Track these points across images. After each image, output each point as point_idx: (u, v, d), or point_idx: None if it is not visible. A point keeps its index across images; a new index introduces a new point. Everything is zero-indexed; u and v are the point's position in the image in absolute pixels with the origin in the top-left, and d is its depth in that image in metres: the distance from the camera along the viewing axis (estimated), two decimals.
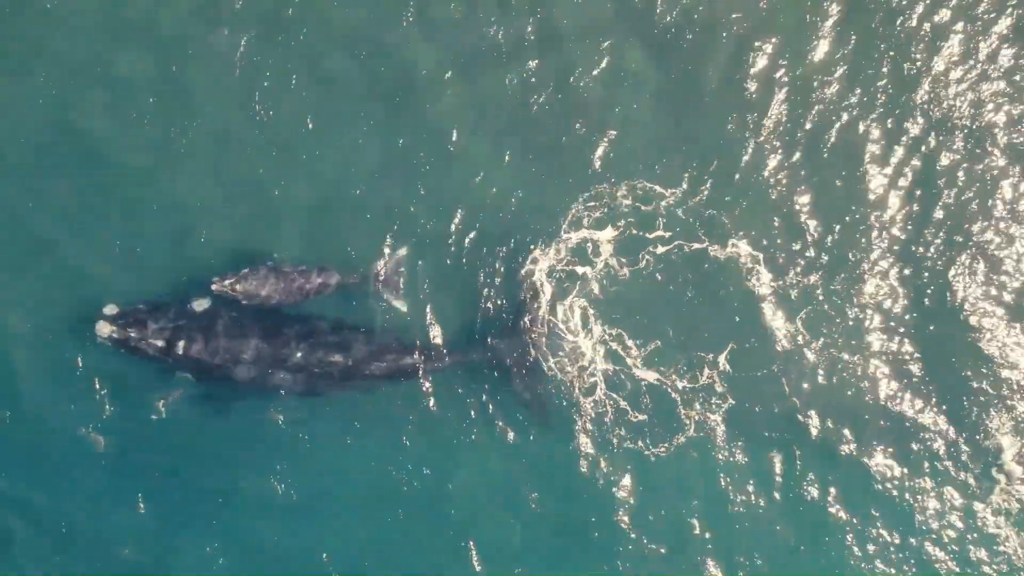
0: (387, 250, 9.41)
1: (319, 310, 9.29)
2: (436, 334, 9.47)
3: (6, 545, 9.00)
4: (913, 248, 9.58)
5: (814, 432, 9.43)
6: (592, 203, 9.59)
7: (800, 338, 9.50)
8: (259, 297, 9.00)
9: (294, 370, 9.02)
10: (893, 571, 9.24)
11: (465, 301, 9.56)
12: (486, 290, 9.54)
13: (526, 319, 9.49)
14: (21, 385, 9.11)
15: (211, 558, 9.13)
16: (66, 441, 9.10)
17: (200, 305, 9.02)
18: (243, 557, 9.17)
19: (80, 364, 9.11)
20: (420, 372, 9.34)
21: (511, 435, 9.41)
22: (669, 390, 9.42)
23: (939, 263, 9.54)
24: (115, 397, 9.14)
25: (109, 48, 9.37)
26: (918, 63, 9.63)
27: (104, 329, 8.77)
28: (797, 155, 9.64)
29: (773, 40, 9.65)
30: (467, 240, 9.52)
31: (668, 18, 9.65)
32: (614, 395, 9.39)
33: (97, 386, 9.12)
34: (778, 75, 9.65)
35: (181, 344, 8.87)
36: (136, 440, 9.15)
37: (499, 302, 9.54)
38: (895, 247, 9.60)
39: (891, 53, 9.66)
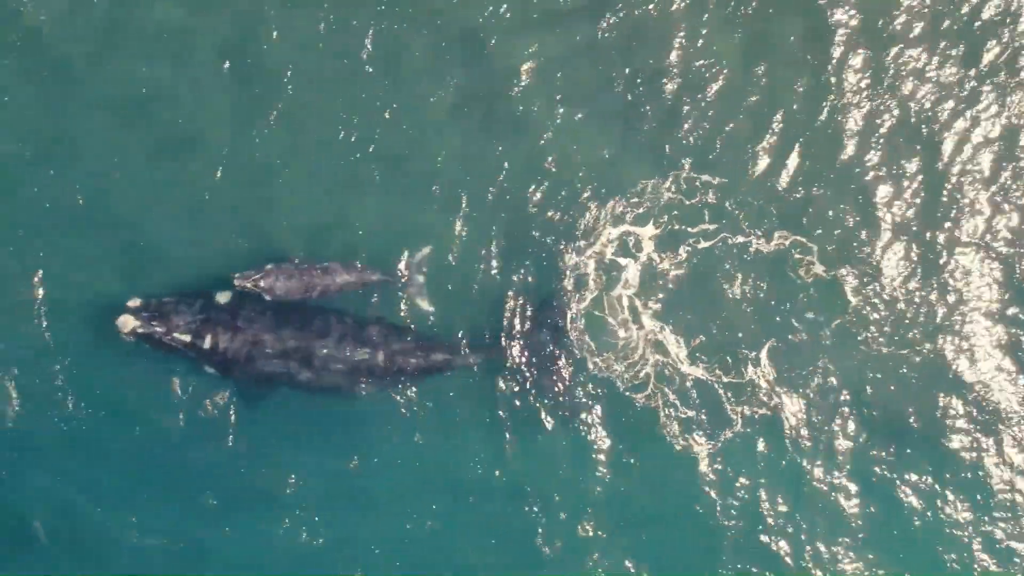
0: (412, 248, 9.35)
1: (347, 306, 9.23)
2: (466, 330, 9.39)
3: (45, 545, 9.01)
4: (968, 243, 9.48)
5: (861, 429, 9.33)
6: (634, 198, 9.49)
7: (849, 333, 9.40)
8: (282, 292, 8.94)
9: (321, 365, 8.95)
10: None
11: (495, 297, 9.47)
12: (517, 286, 9.45)
13: (556, 315, 9.38)
14: (47, 384, 9.09)
15: (249, 556, 9.13)
16: (96, 440, 9.11)
17: (223, 298, 8.94)
18: (277, 555, 9.14)
19: (106, 361, 9.10)
20: (449, 369, 9.26)
21: (547, 431, 9.34)
22: (716, 386, 9.36)
23: (990, 259, 9.46)
24: (143, 394, 9.15)
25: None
26: (981, 55, 9.56)
27: (128, 323, 8.68)
28: (849, 149, 9.55)
29: (832, 33, 9.59)
30: (501, 236, 9.45)
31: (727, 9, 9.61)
32: (664, 390, 9.31)
33: (125, 383, 9.12)
34: (830, 68, 9.59)
35: (208, 338, 8.79)
36: (167, 438, 9.12)
37: (529, 298, 9.45)
38: (947, 241, 9.49)
39: (945, 44, 9.60)
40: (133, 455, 9.10)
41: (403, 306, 9.37)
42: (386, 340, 9.14)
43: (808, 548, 9.21)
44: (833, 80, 9.58)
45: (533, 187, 9.52)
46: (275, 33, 9.34)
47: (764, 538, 9.22)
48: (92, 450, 9.07)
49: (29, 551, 8.95)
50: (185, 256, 9.23)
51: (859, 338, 9.42)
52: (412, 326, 9.35)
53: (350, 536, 9.17)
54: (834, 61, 9.61)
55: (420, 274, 9.37)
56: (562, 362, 9.35)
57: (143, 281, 9.10)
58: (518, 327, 9.41)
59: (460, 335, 9.37)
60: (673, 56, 9.58)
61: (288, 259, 9.09)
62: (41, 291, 9.05)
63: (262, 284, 8.88)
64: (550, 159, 9.53)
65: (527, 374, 9.36)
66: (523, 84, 9.50)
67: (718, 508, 9.25)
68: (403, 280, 9.34)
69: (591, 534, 9.21)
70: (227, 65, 9.29)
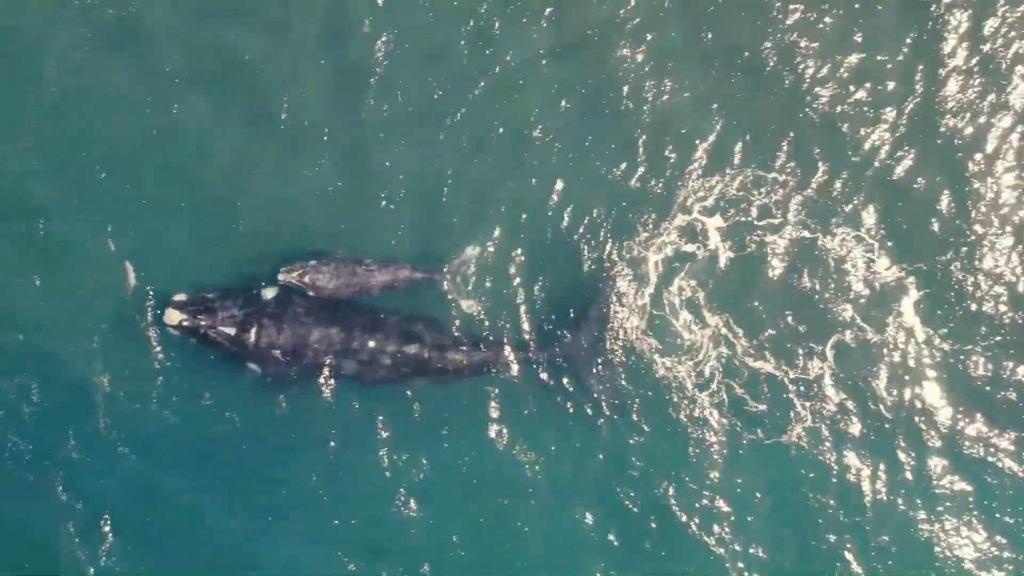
0: (457, 248, 9.32)
1: (393, 303, 9.19)
2: (511, 329, 9.32)
3: (95, 542, 8.95)
4: None
5: (927, 427, 9.16)
6: (700, 191, 9.38)
7: (914, 330, 9.23)
8: (325, 289, 8.93)
9: (366, 361, 8.94)
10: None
11: (543, 296, 9.40)
12: (563, 286, 9.39)
13: (602, 314, 9.26)
14: (90, 377, 9.09)
15: (300, 555, 9.10)
16: (144, 438, 9.09)
17: (269, 293, 8.94)
18: (328, 554, 9.11)
19: (152, 357, 9.09)
20: (495, 367, 9.20)
21: (599, 430, 9.25)
22: (781, 381, 9.26)
23: None
24: (189, 390, 9.13)
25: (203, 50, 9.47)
26: None
27: (174, 317, 8.72)
28: (916, 147, 9.42)
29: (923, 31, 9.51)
30: (549, 235, 9.40)
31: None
32: (730, 384, 9.21)
33: (171, 380, 9.11)
34: (892, 68, 9.48)
35: (253, 331, 8.78)
36: (209, 435, 9.10)
37: (576, 298, 9.36)
38: (1015, 240, 9.32)
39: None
40: (183, 456, 9.13)
41: (446, 306, 9.31)
42: (432, 336, 9.11)
43: (876, 548, 9.06)
44: (913, 86, 9.49)
45: (593, 179, 9.47)
46: (367, 27, 9.38)
47: (832, 537, 9.06)
48: (146, 448, 9.10)
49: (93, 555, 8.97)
50: (231, 253, 9.25)
51: (926, 337, 9.26)
52: (457, 324, 9.28)
53: (403, 535, 9.11)
54: (916, 64, 9.51)
55: (464, 275, 9.32)
56: (608, 360, 9.23)
57: (190, 277, 9.13)
58: (563, 327, 9.31)
59: (505, 334, 9.30)
60: (751, 49, 9.53)
61: (333, 256, 9.09)
62: (93, 280, 9.16)
63: (306, 280, 8.88)
64: (614, 151, 9.50)
65: (571, 373, 9.26)
66: (593, 74, 9.53)
67: (785, 504, 9.14)
68: (447, 280, 9.28)
69: (660, 533, 9.13)
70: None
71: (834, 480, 9.13)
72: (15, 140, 9.19)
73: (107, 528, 8.89)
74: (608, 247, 9.40)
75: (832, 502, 9.11)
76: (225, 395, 9.08)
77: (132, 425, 9.04)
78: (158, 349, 9.04)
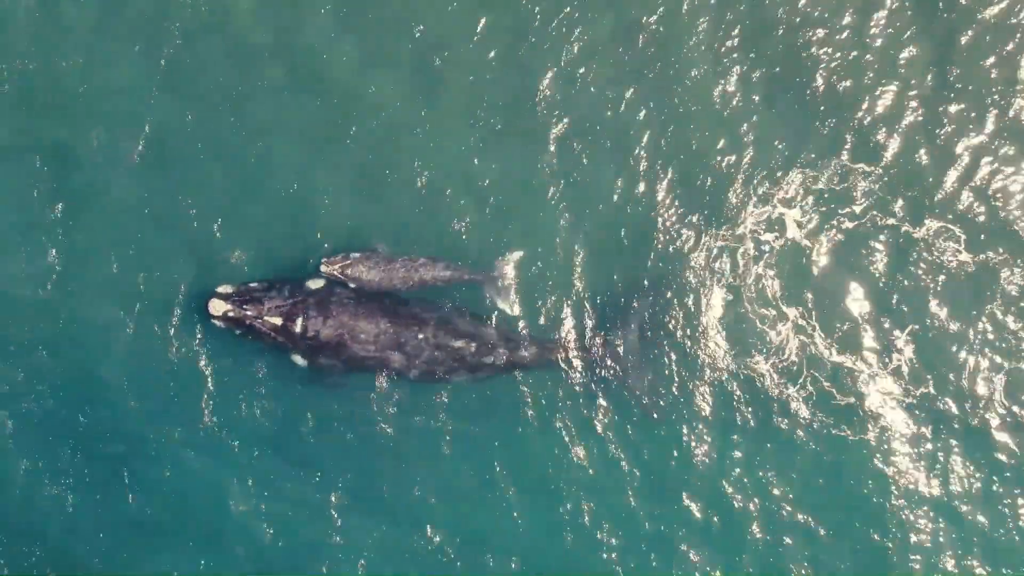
0: (504, 250, 9.23)
1: (440, 297, 9.15)
2: (561, 329, 9.18)
3: (153, 543, 9.09)
4: None
5: (1009, 421, 8.91)
6: (781, 182, 9.17)
7: (996, 322, 8.97)
8: (366, 282, 8.90)
9: (414, 353, 8.86)
10: None
11: (593, 295, 9.24)
12: (617, 285, 9.25)
13: (651, 315, 9.13)
14: (133, 371, 9.23)
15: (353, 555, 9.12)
16: (187, 431, 9.20)
17: (315, 284, 8.90)
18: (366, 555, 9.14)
19: (198, 352, 9.19)
20: (543, 365, 9.10)
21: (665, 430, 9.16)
22: (862, 373, 9.07)
23: None
24: (232, 383, 9.20)
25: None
26: None
27: (219, 307, 8.68)
28: (1005, 136, 9.09)
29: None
30: (604, 232, 9.26)
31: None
32: (816, 377, 9.02)
33: (215, 373, 9.20)
34: (989, 60, 9.17)
35: (299, 321, 8.73)
36: (251, 430, 9.17)
37: (629, 298, 9.19)
38: None
39: None
40: (239, 454, 9.19)
41: (487, 307, 9.22)
42: (482, 332, 9.01)
43: (970, 545, 8.84)
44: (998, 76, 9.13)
45: (663, 171, 9.27)
46: (422, 27, 9.35)
47: (922, 538, 8.88)
48: (192, 447, 9.21)
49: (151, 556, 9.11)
50: (276, 244, 9.27)
51: (1010, 329, 8.97)
52: (504, 321, 9.17)
53: (461, 532, 9.12)
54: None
55: (509, 277, 9.19)
56: (654, 362, 9.09)
57: (235, 268, 9.19)
58: (613, 329, 9.15)
59: (555, 333, 9.16)
60: (831, 44, 9.26)
61: (375, 250, 9.07)
62: (132, 272, 9.28)
63: (348, 272, 8.85)
64: (683, 144, 9.32)
65: (619, 374, 9.11)
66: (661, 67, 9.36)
67: (872, 498, 8.96)
68: (490, 282, 9.18)
69: (735, 532, 9.02)
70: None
71: (921, 477, 8.93)
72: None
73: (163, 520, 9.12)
74: (664, 246, 9.22)
75: (918, 500, 8.93)
76: (271, 388, 9.14)
77: (177, 420, 9.18)
78: (201, 341, 9.17)
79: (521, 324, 9.21)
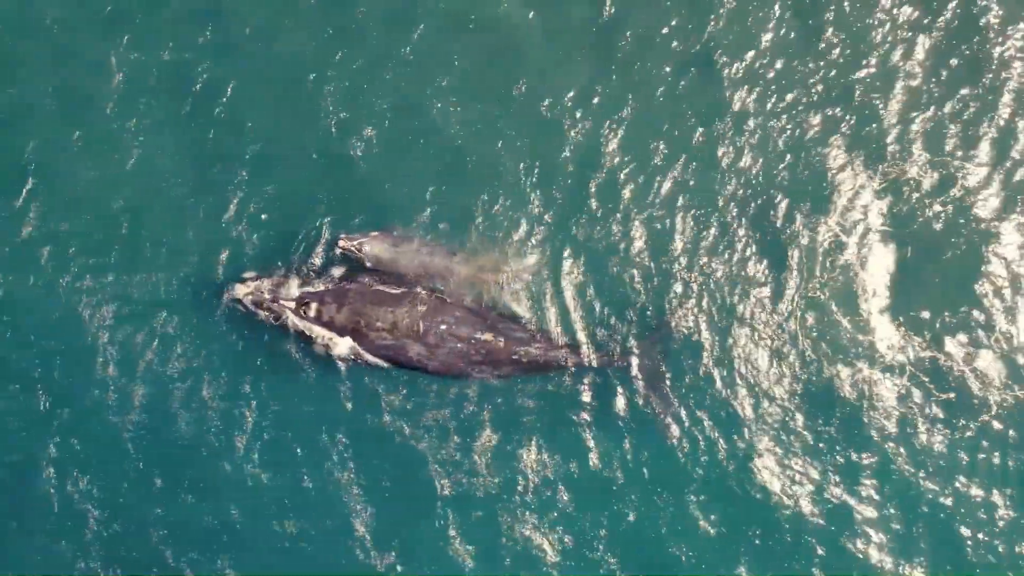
0: (523, 254, 9.08)
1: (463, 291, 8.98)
2: (588, 332, 8.93)
3: (233, 543, 8.85)
4: None
5: None
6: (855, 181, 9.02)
7: None
8: (384, 261, 8.79)
9: (436, 343, 8.64)
10: None
11: (628, 303, 9.03)
12: (651, 292, 9.02)
13: (676, 322, 8.92)
14: (165, 360, 9.10)
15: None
16: (200, 415, 9.02)
17: (337, 271, 8.89)
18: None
19: (213, 335, 9.09)
20: (565, 367, 8.81)
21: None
22: (963, 371, 8.75)
23: None
24: (250, 369, 9.03)
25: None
26: None
27: (240, 290, 8.76)
28: None
29: None
30: (640, 242, 9.10)
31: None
32: (914, 374, 8.73)
33: (232, 357, 9.05)
34: None
35: (313, 307, 8.69)
36: (278, 419, 8.98)
37: (662, 304, 8.98)
38: None
39: None
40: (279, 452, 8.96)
41: (519, 301, 9.04)
42: (507, 328, 8.76)
43: None
44: None
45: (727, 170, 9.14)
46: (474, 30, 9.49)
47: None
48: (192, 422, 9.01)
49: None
50: (302, 231, 9.21)
51: None
52: (530, 318, 8.96)
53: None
54: None
55: (521, 280, 9.02)
56: (662, 372, 8.81)
57: (258, 254, 9.17)
58: (642, 335, 8.91)
59: (582, 336, 8.91)
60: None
61: (395, 231, 9.00)
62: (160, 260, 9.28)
63: (365, 249, 8.75)
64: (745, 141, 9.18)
65: (640, 384, 8.84)
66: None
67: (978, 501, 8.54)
68: (505, 283, 9.00)
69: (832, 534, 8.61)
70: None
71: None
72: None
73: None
74: (707, 248, 9.05)
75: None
76: (287, 378, 8.99)
77: (199, 404, 9.04)
78: (217, 324, 9.08)
79: (552, 323, 9.02)
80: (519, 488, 8.73)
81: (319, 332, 8.76)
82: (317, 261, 9.05)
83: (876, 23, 9.33)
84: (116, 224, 9.32)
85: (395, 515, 8.73)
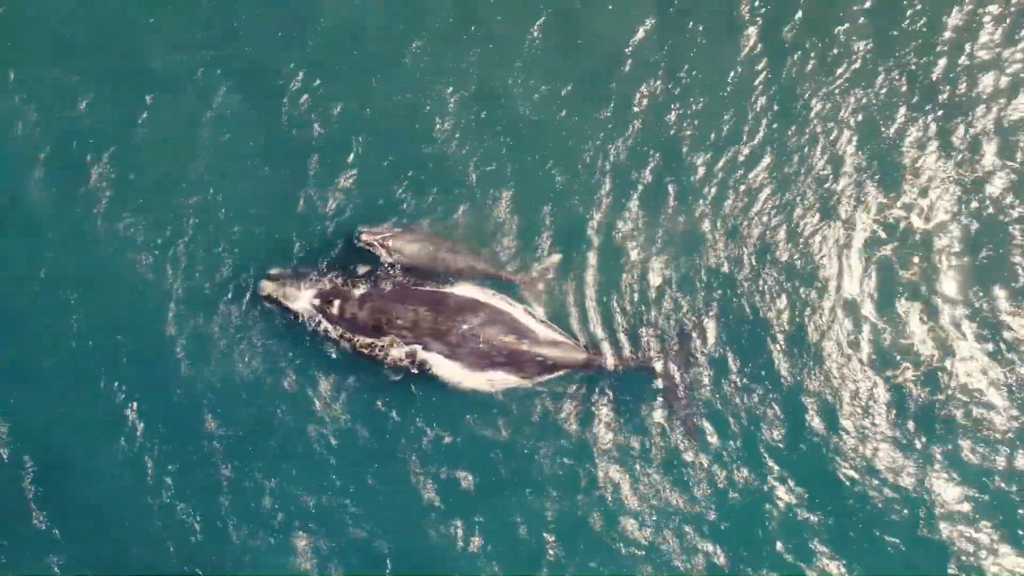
0: (545, 255, 8.99)
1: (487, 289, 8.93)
2: (612, 336, 8.81)
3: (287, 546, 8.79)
4: None
5: None
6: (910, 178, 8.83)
7: None
8: (407, 256, 8.75)
9: (454, 344, 8.54)
10: None
11: (657, 308, 8.89)
12: (661, 296, 8.89)
13: (701, 329, 8.79)
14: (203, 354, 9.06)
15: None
16: (224, 410, 8.95)
17: (362, 268, 8.87)
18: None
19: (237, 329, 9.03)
20: (588, 370, 8.70)
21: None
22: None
23: None
24: (274, 367, 8.96)
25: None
26: None
27: (266, 287, 8.79)
28: None
29: None
30: (673, 248, 8.99)
31: None
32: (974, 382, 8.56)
33: (257, 352, 8.99)
34: None
35: (336, 304, 8.69)
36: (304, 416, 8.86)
37: (693, 310, 8.86)
38: None
39: None
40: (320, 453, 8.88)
41: (541, 303, 8.95)
42: (531, 330, 8.64)
43: None
44: None
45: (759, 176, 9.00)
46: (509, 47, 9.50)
47: None
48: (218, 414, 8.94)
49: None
50: (329, 231, 9.16)
51: None
52: (553, 321, 8.85)
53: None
54: None
55: (543, 280, 8.93)
56: (690, 381, 8.70)
57: (287, 253, 9.13)
58: (668, 338, 8.79)
59: (605, 339, 8.79)
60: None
61: (418, 227, 8.94)
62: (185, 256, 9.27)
63: (389, 243, 8.73)
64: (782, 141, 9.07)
65: (664, 388, 8.72)
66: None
67: None
68: (528, 284, 8.90)
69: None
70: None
71: None
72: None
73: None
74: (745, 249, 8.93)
75: None
76: (310, 375, 8.90)
77: (221, 398, 8.98)
78: (239, 319, 9.04)
79: (574, 327, 8.93)
80: (535, 490, 8.65)
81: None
82: (342, 258, 9.01)
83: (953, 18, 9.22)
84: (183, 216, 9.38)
85: (418, 513, 8.64)
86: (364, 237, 8.74)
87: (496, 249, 8.99)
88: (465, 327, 8.53)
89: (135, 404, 8.93)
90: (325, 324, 8.74)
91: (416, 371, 8.57)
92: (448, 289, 8.78)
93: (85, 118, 9.32)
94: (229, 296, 9.04)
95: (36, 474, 8.89)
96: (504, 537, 8.53)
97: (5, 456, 8.90)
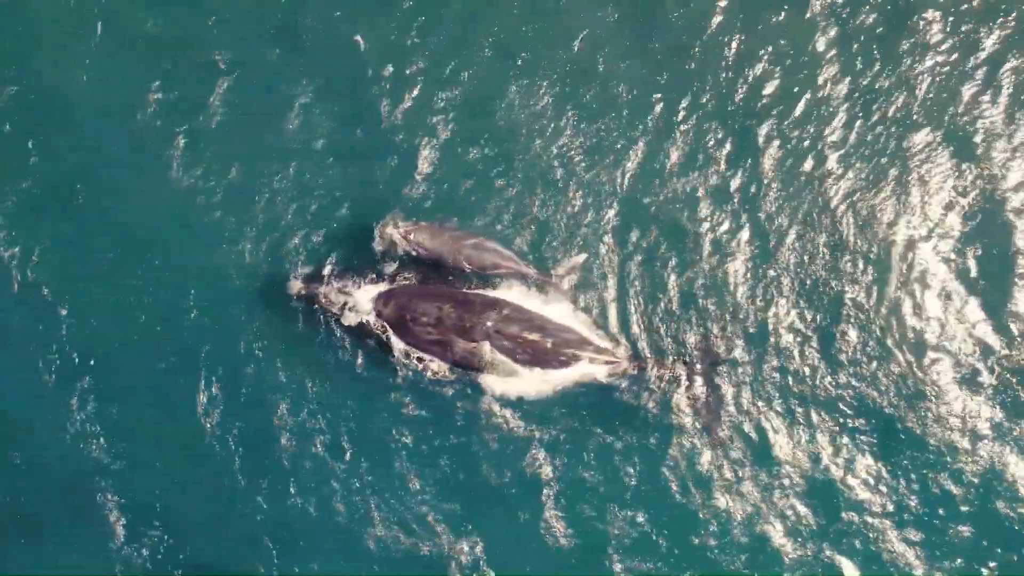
0: (572, 252, 9.05)
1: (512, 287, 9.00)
2: (637, 338, 8.86)
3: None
4: None
5: None
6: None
7: None
8: (431, 251, 8.83)
9: (482, 339, 8.56)
10: None
11: (675, 306, 8.95)
12: (688, 297, 8.95)
13: (732, 333, 8.82)
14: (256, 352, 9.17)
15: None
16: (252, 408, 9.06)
17: (389, 267, 9.00)
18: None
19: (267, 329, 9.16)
20: (618, 369, 8.70)
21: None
22: None
23: None
24: (302, 363, 9.08)
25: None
26: None
27: (294, 287, 8.98)
28: None
29: None
30: (704, 248, 9.06)
31: None
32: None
33: (287, 349, 9.12)
34: None
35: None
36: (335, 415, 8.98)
37: (721, 313, 8.90)
38: None
39: None
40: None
41: (543, 305, 8.97)
42: (555, 327, 8.65)
43: None
44: None
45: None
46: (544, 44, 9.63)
47: None
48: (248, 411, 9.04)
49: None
50: (357, 229, 9.30)
51: None
52: (580, 320, 8.89)
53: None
54: None
55: (569, 279, 8.94)
56: (712, 382, 8.68)
57: (317, 252, 9.29)
58: (696, 342, 8.82)
59: (630, 341, 8.85)
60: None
61: (444, 221, 9.06)
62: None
63: (412, 237, 8.82)
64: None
65: (687, 389, 8.71)
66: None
67: None
68: (554, 283, 8.93)
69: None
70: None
71: None
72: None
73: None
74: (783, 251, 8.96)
75: None
76: (335, 372, 9.03)
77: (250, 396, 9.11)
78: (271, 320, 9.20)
79: (607, 328, 8.94)
80: (555, 492, 8.62)
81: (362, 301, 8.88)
82: (368, 255, 9.13)
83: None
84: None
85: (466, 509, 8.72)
86: (389, 231, 8.85)
87: (523, 247, 9.06)
88: (489, 324, 8.53)
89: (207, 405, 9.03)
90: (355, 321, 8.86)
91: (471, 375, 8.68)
92: (471, 286, 8.88)
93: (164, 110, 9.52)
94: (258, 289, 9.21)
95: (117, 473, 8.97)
96: (533, 539, 8.52)
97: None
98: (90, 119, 9.64)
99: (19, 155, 9.50)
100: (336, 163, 9.49)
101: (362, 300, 8.85)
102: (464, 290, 8.87)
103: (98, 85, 9.69)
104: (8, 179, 9.46)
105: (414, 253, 8.91)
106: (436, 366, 8.73)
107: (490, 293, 8.86)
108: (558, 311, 8.83)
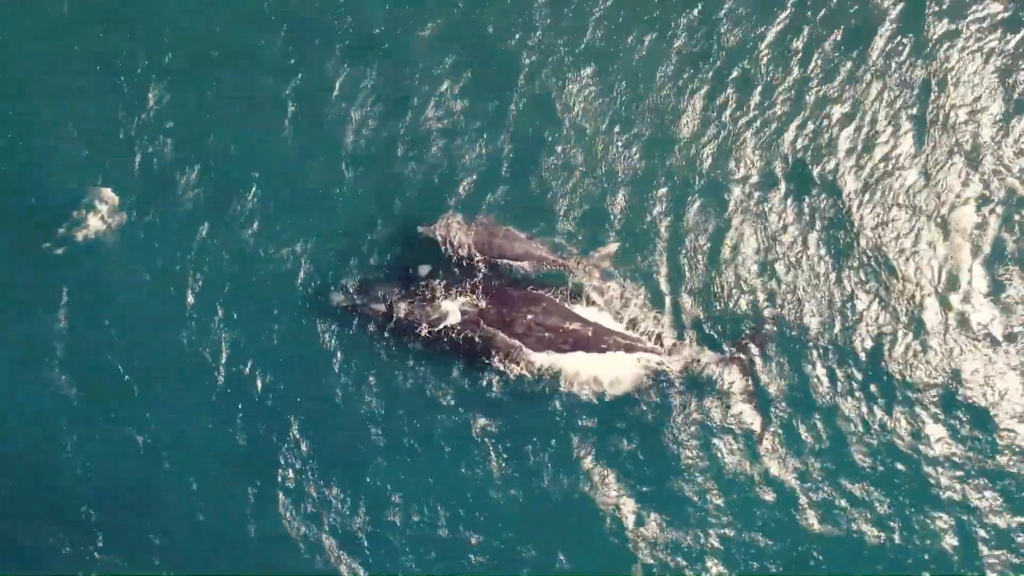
0: (602, 243, 9.10)
1: (550, 281, 9.05)
2: (682, 329, 8.92)
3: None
4: None
5: None
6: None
7: None
8: (462, 244, 8.97)
9: (523, 332, 8.73)
10: None
11: (719, 299, 9.01)
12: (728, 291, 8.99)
13: (774, 329, 8.88)
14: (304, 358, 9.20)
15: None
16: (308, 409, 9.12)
17: (423, 270, 9.12)
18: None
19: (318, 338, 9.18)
20: (657, 360, 8.76)
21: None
22: None
23: None
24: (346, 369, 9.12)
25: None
26: None
27: (336, 298, 9.14)
28: None
29: None
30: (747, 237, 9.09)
31: None
32: None
33: (334, 357, 9.15)
34: None
35: (402, 307, 8.96)
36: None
37: (751, 306, 8.95)
38: None
39: None
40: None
41: (577, 295, 9.03)
42: (594, 319, 8.79)
43: None
44: None
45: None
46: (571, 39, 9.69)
47: None
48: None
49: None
50: (398, 239, 9.39)
51: None
52: (619, 311, 8.97)
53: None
54: None
55: (600, 268, 9.03)
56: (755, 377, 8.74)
57: (360, 264, 9.36)
58: (736, 336, 8.87)
59: (670, 334, 8.90)
60: None
61: (474, 216, 9.14)
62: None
63: (441, 232, 8.98)
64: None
65: (727, 384, 8.78)
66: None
67: None
68: (582, 271, 9.00)
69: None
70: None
71: None
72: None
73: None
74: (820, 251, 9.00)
75: None
76: (381, 380, 9.08)
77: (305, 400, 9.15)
78: (319, 329, 9.23)
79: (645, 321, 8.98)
80: (596, 492, 8.70)
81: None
82: (404, 258, 9.25)
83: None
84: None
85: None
86: (420, 229, 8.99)
87: (554, 237, 9.13)
88: (529, 316, 8.70)
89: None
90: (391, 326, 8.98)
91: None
92: (506, 280, 9.00)
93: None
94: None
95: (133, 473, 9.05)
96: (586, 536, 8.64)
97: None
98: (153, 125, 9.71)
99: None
100: (378, 167, 9.55)
101: (451, 308, 8.91)
102: (503, 284, 9.01)
103: (146, 95, 9.74)
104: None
105: (445, 248, 9.03)
106: (523, 365, 8.79)
107: (533, 285, 8.99)
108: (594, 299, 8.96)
